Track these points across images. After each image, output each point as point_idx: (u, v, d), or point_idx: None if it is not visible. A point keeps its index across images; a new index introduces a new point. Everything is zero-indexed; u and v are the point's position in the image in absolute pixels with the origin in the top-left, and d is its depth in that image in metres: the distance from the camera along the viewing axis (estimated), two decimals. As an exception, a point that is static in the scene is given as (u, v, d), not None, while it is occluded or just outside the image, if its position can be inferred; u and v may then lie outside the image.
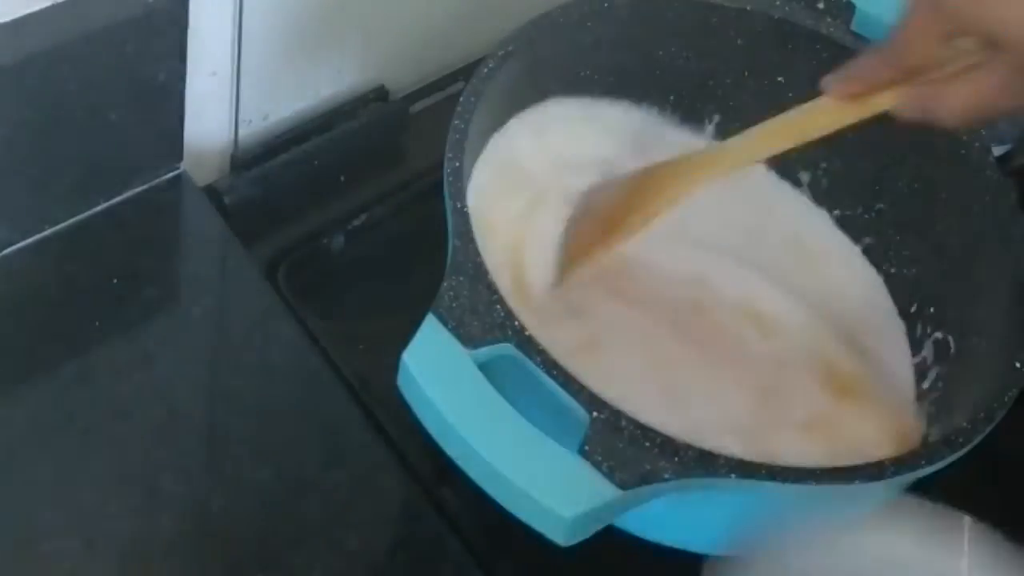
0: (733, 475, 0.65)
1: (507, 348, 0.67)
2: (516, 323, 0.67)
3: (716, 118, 0.94)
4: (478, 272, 0.69)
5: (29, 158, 0.80)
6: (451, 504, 0.78)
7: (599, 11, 0.85)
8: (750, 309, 0.85)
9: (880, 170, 0.89)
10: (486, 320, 0.67)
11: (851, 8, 0.88)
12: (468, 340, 0.66)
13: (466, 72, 0.98)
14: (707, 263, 0.87)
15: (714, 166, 0.81)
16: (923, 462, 0.68)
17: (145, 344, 0.82)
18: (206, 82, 0.88)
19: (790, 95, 0.90)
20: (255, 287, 0.86)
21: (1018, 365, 0.73)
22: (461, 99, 0.78)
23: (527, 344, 0.67)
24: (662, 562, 0.75)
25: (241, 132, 0.93)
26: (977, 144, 0.83)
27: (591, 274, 0.83)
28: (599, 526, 0.64)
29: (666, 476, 0.64)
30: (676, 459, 0.64)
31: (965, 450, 0.69)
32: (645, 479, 0.63)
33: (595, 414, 0.65)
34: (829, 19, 0.88)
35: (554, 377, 0.66)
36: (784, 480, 0.65)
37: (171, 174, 0.88)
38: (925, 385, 0.85)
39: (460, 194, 0.73)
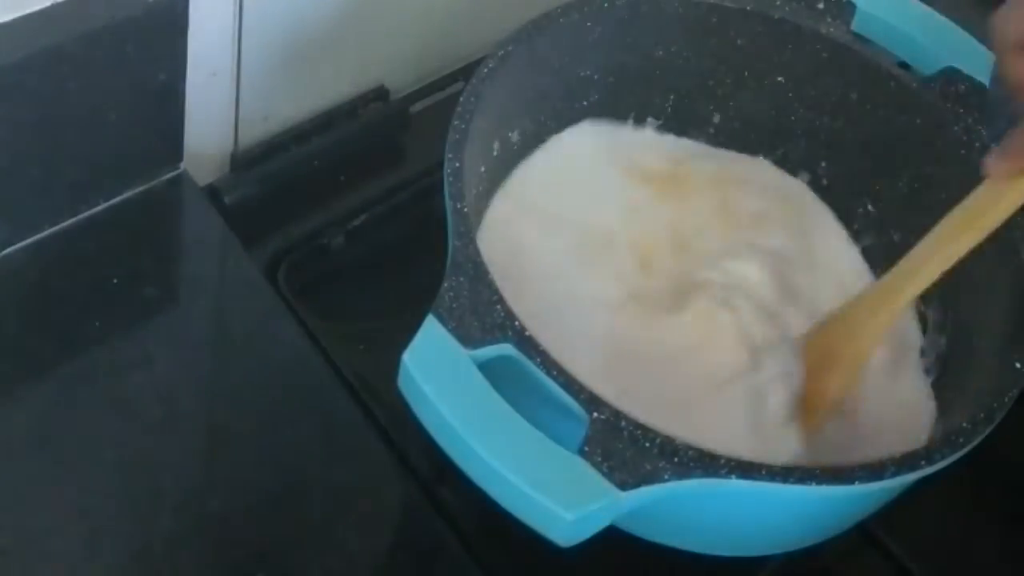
0: (733, 476, 0.65)
1: (507, 348, 0.66)
2: (516, 323, 0.67)
3: (716, 118, 0.94)
4: (478, 272, 0.69)
5: (29, 158, 0.80)
6: (451, 504, 0.78)
7: (599, 11, 0.85)
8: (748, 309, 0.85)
9: (880, 170, 0.89)
10: (486, 320, 0.67)
11: (851, 8, 0.88)
12: (468, 340, 0.66)
13: (466, 72, 0.98)
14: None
15: (904, 289, 0.78)
16: (923, 462, 0.68)
17: (145, 344, 0.82)
18: (206, 82, 0.88)
19: (790, 95, 0.91)
20: (255, 287, 0.86)
21: (1018, 365, 0.72)
22: (461, 99, 0.78)
23: (527, 344, 0.67)
24: (662, 562, 0.75)
25: (241, 132, 0.93)
26: (977, 144, 0.83)
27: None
28: (599, 527, 0.64)
29: (666, 477, 0.64)
30: (676, 460, 0.64)
31: (965, 450, 0.69)
32: (645, 480, 0.63)
33: (595, 414, 0.65)
34: (829, 19, 0.88)
35: (554, 377, 0.66)
36: (784, 480, 0.65)
37: (171, 174, 0.88)
38: (925, 385, 0.85)
39: (460, 194, 0.73)
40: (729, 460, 0.65)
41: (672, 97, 0.93)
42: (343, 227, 0.92)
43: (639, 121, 0.93)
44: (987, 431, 0.70)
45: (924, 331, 0.87)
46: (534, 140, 0.88)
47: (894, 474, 0.67)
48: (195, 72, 0.85)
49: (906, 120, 0.86)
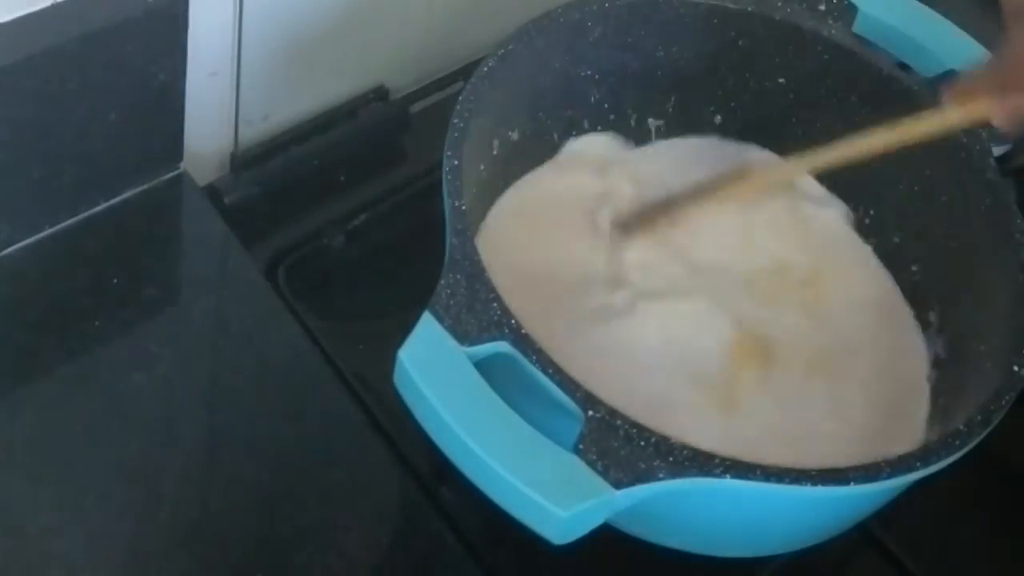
0: (728, 475, 0.64)
1: (503, 346, 0.67)
2: (512, 321, 0.67)
3: (717, 119, 0.94)
4: (475, 270, 0.69)
5: (29, 158, 0.80)
6: (450, 503, 0.78)
7: (599, 11, 0.85)
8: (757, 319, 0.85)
9: (880, 172, 0.89)
10: (482, 318, 0.67)
11: (853, 10, 0.88)
12: (464, 338, 0.66)
13: (466, 72, 0.98)
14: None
15: (804, 166, 0.85)
16: (919, 464, 0.68)
17: (145, 344, 0.82)
18: (206, 82, 0.88)
19: (791, 96, 0.91)
20: (255, 287, 0.86)
21: (1016, 368, 0.72)
22: (461, 99, 0.78)
23: (523, 342, 0.67)
24: (660, 562, 0.75)
25: (241, 132, 0.94)
26: (977, 145, 0.83)
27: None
28: (593, 525, 0.64)
29: (660, 476, 0.64)
30: (671, 459, 0.64)
31: (961, 453, 0.69)
32: (640, 478, 0.63)
33: (590, 413, 0.65)
34: (831, 21, 0.88)
35: (550, 375, 0.66)
36: (779, 481, 0.65)
37: (171, 174, 0.88)
38: (926, 386, 0.85)
39: (458, 192, 0.73)
40: (724, 460, 0.65)
41: (673, 98, 0.93)
42: (343, 227, 0.91)
43: (640, 122, 0.93)
44: (984, 434, 0.70)
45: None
46: (534, 140, 0.88)
47: (890, 476, 0.67)
48: (195, 72, 0.85)
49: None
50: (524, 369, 0.66)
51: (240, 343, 0.84)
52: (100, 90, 0.80)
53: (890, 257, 0.90)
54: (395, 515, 0.80)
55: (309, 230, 0.91)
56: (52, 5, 0.76)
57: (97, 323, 0.81)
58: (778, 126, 0.92)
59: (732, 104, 0.93)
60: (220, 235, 0.88)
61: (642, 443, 0.64)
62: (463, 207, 0.72)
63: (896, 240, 0.89)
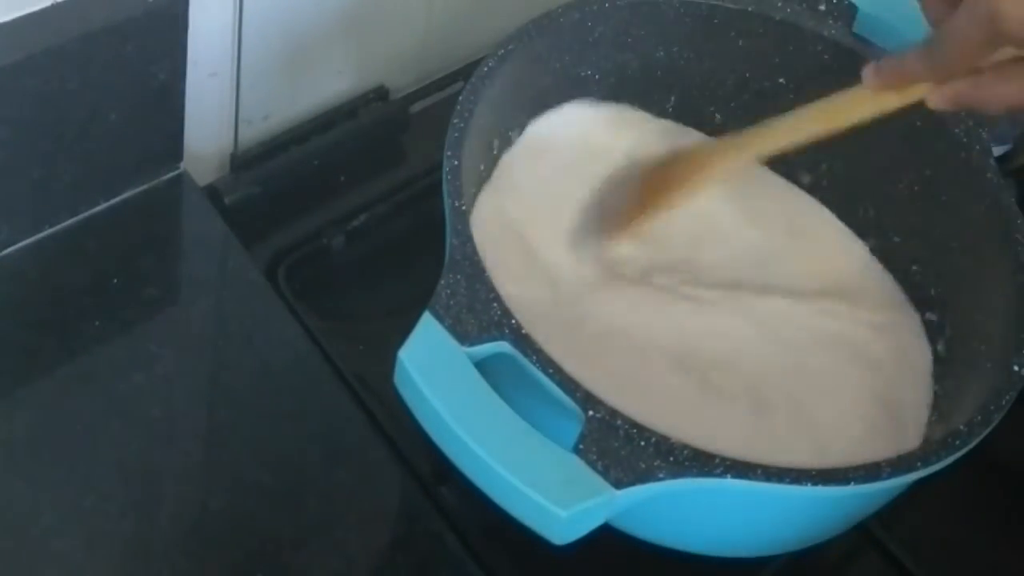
0: (728, 475, 0.64)
1: (503, 346, 0.67)
2: (513, 321, 0.67)
3: (717, 119, 0.94)
4: (475, 270, 0.69)
5: (29, 158, 0.80)
6: (450, 503, 0.78)
7: (599, 11, 0.85)
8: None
9: (880, 172, 0.89)
10: (483, 318, 0.67)
11: (853, 10, 0.88)
12: (464, 338, 0.66)
13: (466, 72, 0.98)
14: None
15: (745, 150, 0.81)
16: (919, 464, 0.68)
17: (145, 344, 0.82)
18: (206, 82, 0.88)
19: (791, 97, 0.90)
20: (255, 287, 0.86)
21: (1016, 369, 0.72)
22: (461, 99, 0.78)
23: (523, 342, 0.67)
24: (660, 562, 0.75)
25: (241, 132, 0.94)
26: (977, 145, 0.83)
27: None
28: (594, 525, 0.64)
29: (661, 476, 0.64)
30: (671, 459, 0.64)
31: (961, 453, 0.69)
32: (640, 478, 0.63)
33: (590, 413, 0.65)
34: (831, 21, 0.88)
35: (550, 375, 0.66)
36: (779, 481, 0.65)
37: (171, 174, 0.89)
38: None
39: (458, 192, 0.73)
40: (724, 460, 0.65)
41: (673, 98, 0.93)
42: (343, 227, 0.92)
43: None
44: (983, 434, 0.70)
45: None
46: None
47: (890, 476, 0.67)
48: (195, 72, 0.85)
49: (906, 122, 0.86)
50: (524, 369, 0.66)
51: (240, 343, 0.84)
52: (100, 90, 0.80)
53: (890, 257, 0.90)
54: (395, 515, 0.80)
55: (309, 230, 0.91)
56: (52, 5, 0.76)
57: (97, 323, 0.81)
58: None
59: (732, 104, 0.93)
60: (220, 235, 0.88)
61: (642, 443, 0.64)
62: (463, 207, 0.72)
63: (896, 240, 0.89)
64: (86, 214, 0.85)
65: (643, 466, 0.64)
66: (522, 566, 0.79)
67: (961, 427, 0.70)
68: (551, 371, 0.66)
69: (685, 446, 0.65)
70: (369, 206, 0.93)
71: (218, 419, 0.80)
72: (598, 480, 0.63)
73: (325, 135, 0.96)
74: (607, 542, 0.69)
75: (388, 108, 1.00)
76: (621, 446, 0.64)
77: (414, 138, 1.00)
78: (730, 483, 0.65)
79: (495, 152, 0.85)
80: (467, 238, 0.70)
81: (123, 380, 0.80)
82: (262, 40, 0.89)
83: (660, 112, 0.93)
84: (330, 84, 0.98)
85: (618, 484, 0.63)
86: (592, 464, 0.63)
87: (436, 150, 0.75)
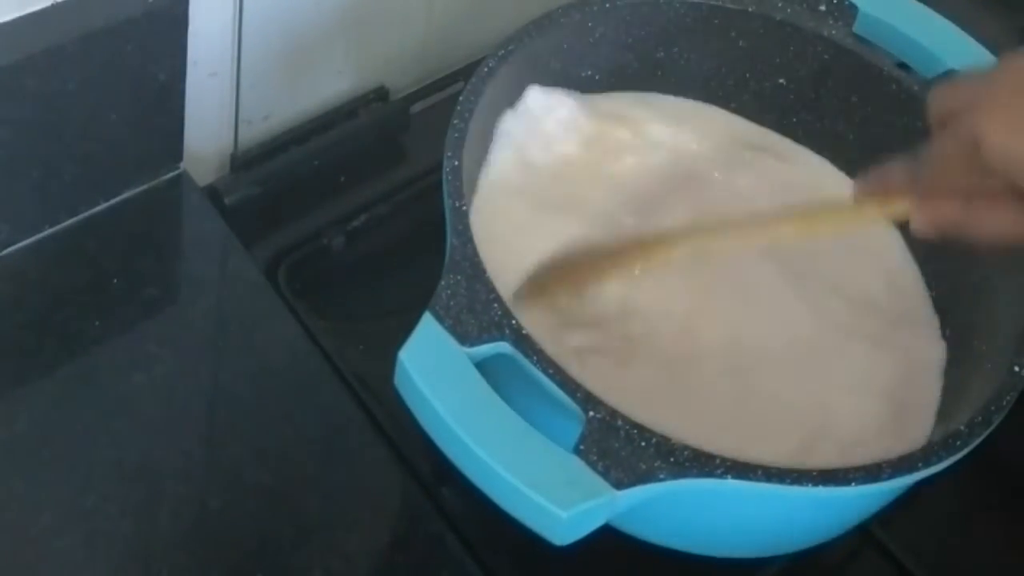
0: (728, 476, 0.64)
1: (504, 347, 0.67)
2: (513, 322, 0.67)
3: (717, 119, 0.94)
4: (476, 271, 0.69)
5: (29, 158, 0.80)
6: (450, 503, 0.78)
7: (599, 11, 0.85)
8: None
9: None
10: (483, 318, 0.67)
11: (853, 10, 0.88)
12: (465, 338, 0.66)
13: (466, 72, 0.98)
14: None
15: (714, 241, 0.79)
16: (920, 465, 0.68)
17: (145, 344, 0.82)
18: (206, 82, 0.88)
19: (791, 97, 0.91)
20: (255, 287, 0.86)
21: (1016, 369, 0.72)
22: (461, 99, 0.78)
23: (524, 343, 0.67)
24: (660, 563, 0.75)
25: (241, 132, 0.94)
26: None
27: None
28: (595, 525, 0.64)
29: (661, 476, 0.64)
30: (671, 459, 0.64)
31: (962, 453, 0.69)
32: (640, 479, 0.63)
33: (591, 413, 0.65)
34: (831, 21, 0.88)
35: (550, 376, 0.66)
36: (780, 481, 0.65)
37: (171, 174, 0.89)
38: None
39: (458, 193, 0.73)
40: (724, 460, 0.65)
41: (673, 98, 0.93)
42: (343, 227, 0.91)
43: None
44: (984, 434, 0.70)
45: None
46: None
47: (891, 476, 0.67)
48: (195, 72, 0.85)
49: (907, 122, 0.86)
50: (525, 370, 0.66)
51: (240, 343, 0.84)
52: (100, 90, 0.80)
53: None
54: (395, 515, 0.80)
55: (309, 230, 0.91)
56: (52, 5, 0.76)
57: (97, 323, 0.81)
58: (778, 127, 0.92)
59: (732, 105, 0.93)
60: (220, 235, 0.88)
61: (643, 443, 0.64)
62: (463, 207, 0.72)
63: (896, 240, 0.89)
64: (86, 214, 0.85)
65: (644, 467, 0.64)
66: (522, 566, 0.78)
67: (962, 427, 0.70)
68: (551, 372, 0.66)
69: (686, 447, 0.65)
70: (369, 206, 0.93)
71: (218, 419, 0.80)
72: (599, 481, 0.63)
73: (325, 135, 0.96)
74: (607, 542, 0.69)
75: (388, 108, 1.00)
76: (622, 447, 0.64)
77: (414, 138, 0.99)
78: (731, 484, 0.65)
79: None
80: (467, 238, 0.70)
81: (123, 380, 0.80)
82: (262, 40, 0.89)
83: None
84: (330, 84, 0.98)
85: (619, 485, 0.63)
86: (593, 465, 0.63)
87: (436, 150, 0.75)
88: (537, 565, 0.75)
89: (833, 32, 0.88)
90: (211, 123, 0.91)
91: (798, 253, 0.86)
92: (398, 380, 0.66)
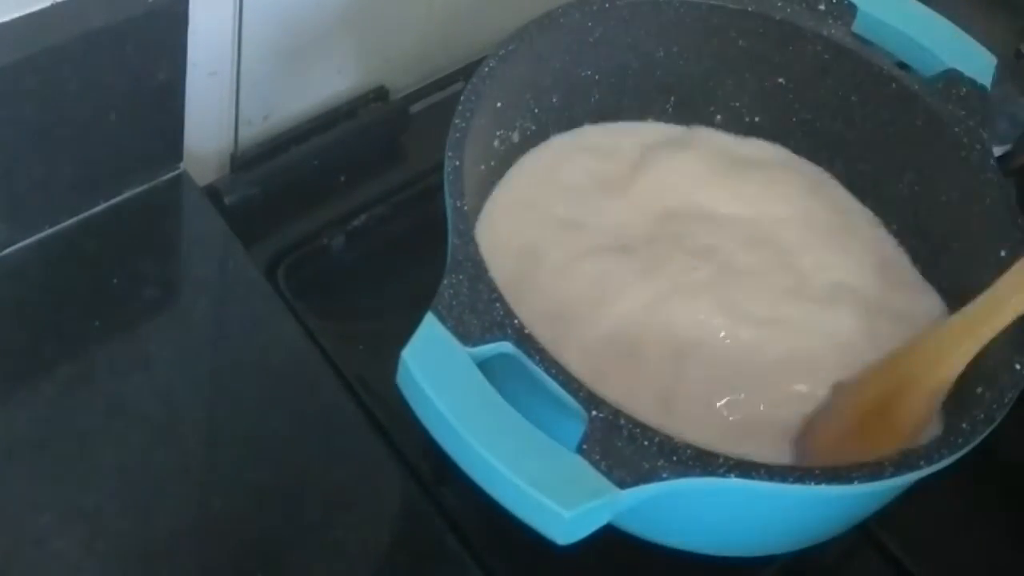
0: (732, 475, 0.64)
1: (506, 346, 0.66)
2: (515, 321, 0.67)
3: (717, 119, 0.94)
4: (478, 270, 0.69)
5: (29, 158, 0.80)
6: (451, 503, 0.78)
7: (599, 11, 0.85)
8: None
9: (880, 172, 0.89)
10: (485, 318, 0.67)
11: (853, 10, 0.88)
12: (467, 338, 0.66)
13: (466, 72, 0.98)
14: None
15: (990, 321, 0.75)
16: (922, 463, 0.68)
17: (145, 344, 0.82)
18: (206, 82, 0.88)
19: (791, 97, 0.91)
20: (255, 287, 0.86)
21: (1018, 367, 0.72)
22: (461, 99, 0.78)
23: (526, 342, 0.67)
24: (662, 562, 0.75)
25: (241, 132, 0.94)
26: (977, 146, 0.83)
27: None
28: (598, 525, 0.64)
29: (664, 475, 0.64)
30: (674, 458, 0.64)
31: (964, 451, 0.69)
32: (643, 478, 0.63)
33: (594, 413, 0.65)
34: (830, 21, 0.88)
35: (553, 376, 0.66)
36: (783, 480, 0.65)
37: (171, 174, 0.88)
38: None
39: (459, 192, 0.73)
40: (727, 459, 0.65)
41: (673, 98, 0.93)
42: (343, 227, 0.92)
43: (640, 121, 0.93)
44: (986, 432, 0.70)
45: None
46: (535, 140, 0.88)
47: (893, 474, 0.67)
48: (195, 72, 0.85)
49: (907, 122, 0.86)
50: (527, 369, 0.66)
51: (240, 343, 0.84)
52: (100, 90, 0.80)
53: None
54: (395, 515, 0.80)
55: (309, 230, 0.91)
56: (52, 5, 0.76)
57: (97, 323, 0.81)
58: (778, 126, 0.92)
59: (732, 104, 0.93)
60: (220, 235, 0.88)
61: (646, 443, 0.64)
62: (464, 207, 0.72)
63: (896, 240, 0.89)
64: (86, 214, 0.85)
65: (647, 466, 0.64)
66: (523, 566, 0.78)
67: (964, 425, 0.70)
68: (554, 371, 0.66)
69: (688, 446, 0.65)
70: (369, 206, 0.93)
71: (218, 419, 0.80)
72: (602, 480, 0.63)
73: (325, 135, 0.96)
74: (609, 541, 0.69)
75: (388, 108, 1.00)
76: (624, 446, 0.64)
77: (414, 138, 0.99)
78: (734, 482, 0.65)
79: (496, 152, 0.84)
80: (469, 239, 0.70)
81: (123, 380, 0.79)
82: (262, 40, 0.89)
83: (661, 113, 0.93)
84: (330, 84, 0.98)
85: (622, 484, 0.63)
86: (596, 464, 0.63)
87: (436, 150, 0.75)
88: (538, 565, 0.75)
89: (832, 32, 0.88)
90: (211, 123, 0.91)
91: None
92: (401, 380, 0.65)
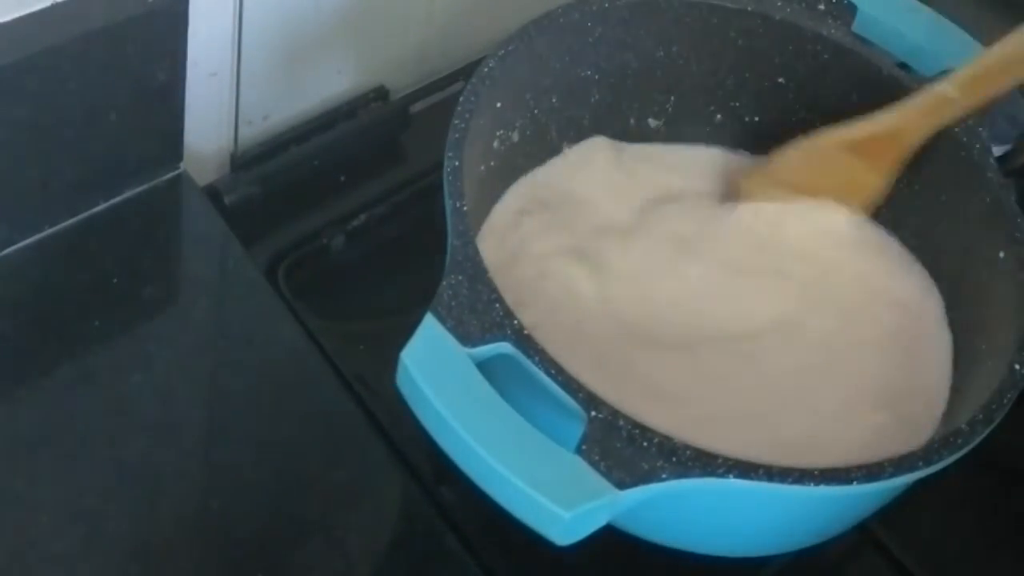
0: (731, 475, 0.64)
1: (505, 347, 0.66)
2: (515, 322, 0.67)
3: (717, 118, 0.94)
4: (477, 271, 0.69)
5: (29, 158, 0.80)
6: (450, 504, 0.78)
7: (599, 11, 0.85)
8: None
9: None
10: (485, 319, 0.67)
11: (852, 9, 0.88)
12: (466, 339, 0.66)
13: (466, 72, 0.98)
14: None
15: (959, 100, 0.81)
16: (921, 463, 0.68)
17: (145, 344, 0.82)
18: (206, 82, 0.88)
19: (791, 96, 0.91)
20: (255, 287, 0.86)
21: (1017, 367, 0.72)
22: (461, 99, 0.78)
23: (525, 343, 0.67)
24: (662, 562, 0.75)
25: (241, 132, 0.94)
26: (977, 145, 0.83)
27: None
28: (597, 526, 0.64)
29: (663, 476, 0.64)
30: (674, 459, 0.64)
31: (964, 451, 0.69)
32: (643, 479, 0.63)
33: (593, 413, 0.65)
34: (830, 20, 0.88)
35: (552, 376, 0.66)
36: (782, 480, 0.65)
37: (171, 174, 0.88)
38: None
39: (459, 193, 0.73)
40: (727, 459, 0.65)
41: (672, 98, 0.93)
42: (343, 227, 0.92)
43: (639, 122, 0.93)
44: (985, 432, 0.70)
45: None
46: (534, 140, 0.88)
47: (892, 475, 0.67)
48: (194, 72, 0.85)
49: (907, 121, 0.86)
50: (526, 370, 0.66)
51: (240, 343, 0.84)
52: (100, 90, 0.80)
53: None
54: (395, 515, 0.80)
55: (309, 230, 0.91)
56: (52, 5, 0.76)
57: (97, 323, 0.81)
58: (778, 126, 0.92)
59: (732, 104, 0.93)
60: (220, 235, 0.88)
61: (645, 443, 0.64)
62: (464, 208, 0.72)
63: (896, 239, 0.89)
64: (86, 214, 0.85)
65: (646, 467, 0.64)
66: (522, 566, 0.78)
67: (963, 426, 0.70)
68: (553, 372, 0.66)
69: (688, 446, 0.65)
70: (369, 206, 0.93)
71: (218, 419, 0.80)
72: (601, 481, 0.63)
73: (325, 135, 0.96)
74: (608, 542, 0.69)
75: (388, 108, 1.00)
76: (624, 447, 0.64)
77: (414, 138, 1.00)
78: (733, 483, 0.64)
79: (496, 153, 0.84)
80: (468, 239, 0.70)
81: (123, 380, 0.79)
82: (262, 40, 0.89)
83: (660, 113, 0.93)
84: (330, 84, 0.98)
85: (621, 485, 0.63)
86: (595, 465, 0.63)
87: (436, 150, 0.75)
88: (537, 565, 0.75)
89: (832, 31, 0.88)
90: (211, 123, 0.91)
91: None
92: (400, 381, 0.65)
